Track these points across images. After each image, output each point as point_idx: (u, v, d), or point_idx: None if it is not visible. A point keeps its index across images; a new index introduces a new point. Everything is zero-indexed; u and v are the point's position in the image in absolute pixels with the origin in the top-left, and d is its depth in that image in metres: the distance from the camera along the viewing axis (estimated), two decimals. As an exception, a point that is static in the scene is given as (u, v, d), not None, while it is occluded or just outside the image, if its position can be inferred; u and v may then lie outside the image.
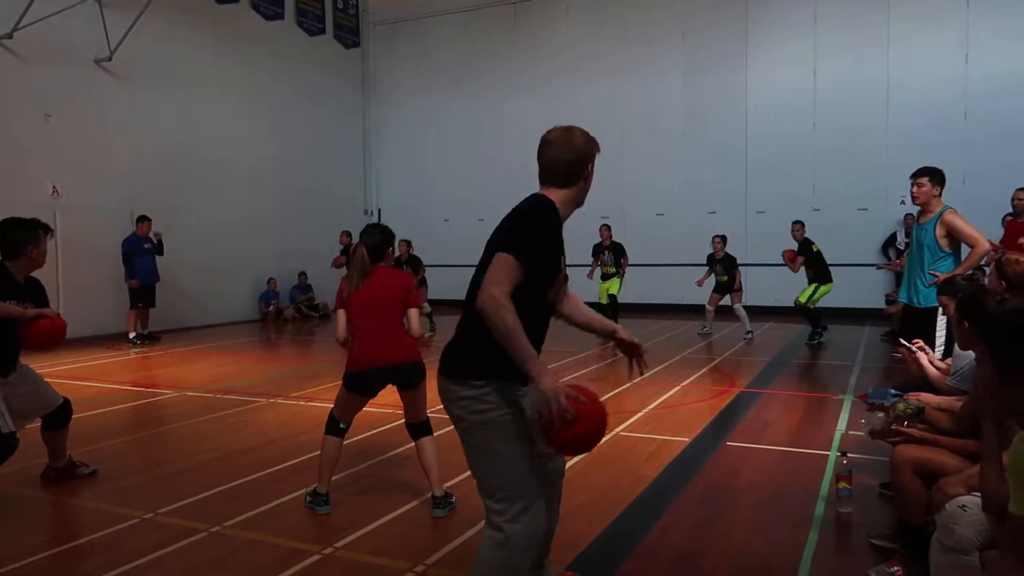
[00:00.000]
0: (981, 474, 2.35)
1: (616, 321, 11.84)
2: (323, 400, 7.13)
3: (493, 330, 2.31)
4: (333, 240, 16.20)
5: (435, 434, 4.29)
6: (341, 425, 4.29)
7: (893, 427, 3.41)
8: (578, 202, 2.66)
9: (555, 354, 9.70)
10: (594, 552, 3.61)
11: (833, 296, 10.80)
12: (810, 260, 10.58)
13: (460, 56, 17.14)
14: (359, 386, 4.22)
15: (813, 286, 10.56)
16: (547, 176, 2.62)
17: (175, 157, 13.24)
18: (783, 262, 10.94)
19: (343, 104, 17.62)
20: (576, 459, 5.07)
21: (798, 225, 10.82)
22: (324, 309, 15.88)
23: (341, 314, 4.24)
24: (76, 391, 7.76)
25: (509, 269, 2.36)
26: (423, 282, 12.27)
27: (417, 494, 4.37)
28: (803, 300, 10.54)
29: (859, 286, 13.08)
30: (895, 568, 3.18)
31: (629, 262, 12.40)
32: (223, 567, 3.49)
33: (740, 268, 11.55)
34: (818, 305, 10.58)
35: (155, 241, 11.54)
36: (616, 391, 7.46)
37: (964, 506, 2.54)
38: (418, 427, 4.25)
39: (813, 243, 10.65)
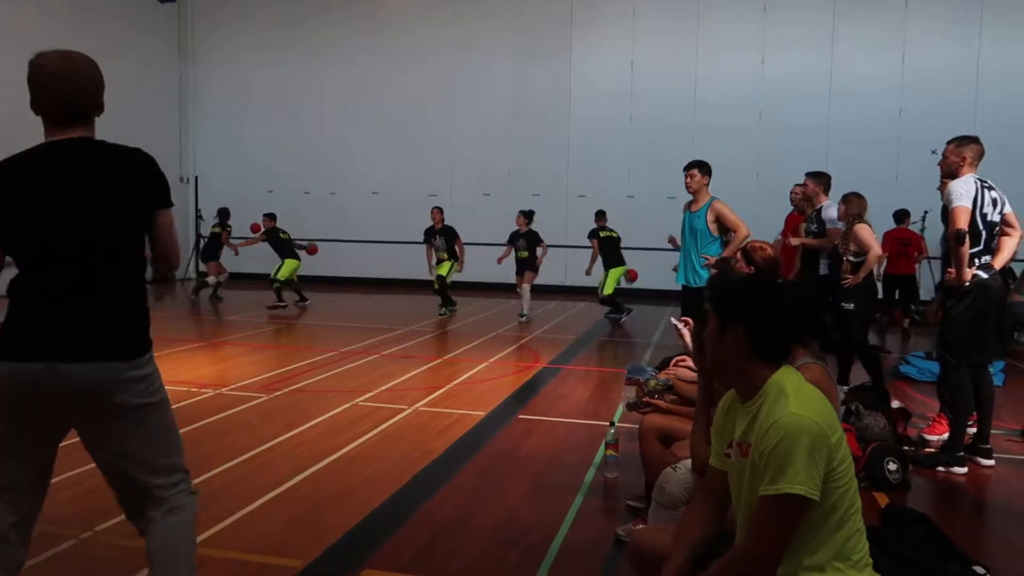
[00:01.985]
0: (691, 437, 2.64)
1: (447, 303, 11.81)
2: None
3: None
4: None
5: None
6: None
7: (644, 399, 3.74)
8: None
9: (367, 331, 9.68)
10: (368, 523, 3.69)
11: (640, 279, 11.55)
12: (603, 246, 11.28)
13: (287, 18, 16.47)
14: None
15: (605, 274, 11.20)
16: (75, 113, 2.38)
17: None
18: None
19: (156, 63, 16.38)
20: (368, 434, 5.14)
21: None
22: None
23: None
24: None
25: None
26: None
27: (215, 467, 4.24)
28: (608, 293, 11.11)
29: (663, 269, 13.99)
30: (639, 525, 3.50)
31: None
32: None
33: (543, 248, 11.59)
34: (617, 287, 11.24)
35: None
36: (424, 367, 7.58)
37: (676, 467, 2.85)
38: None
39: (601, 231, 11.40)
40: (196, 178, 17.09)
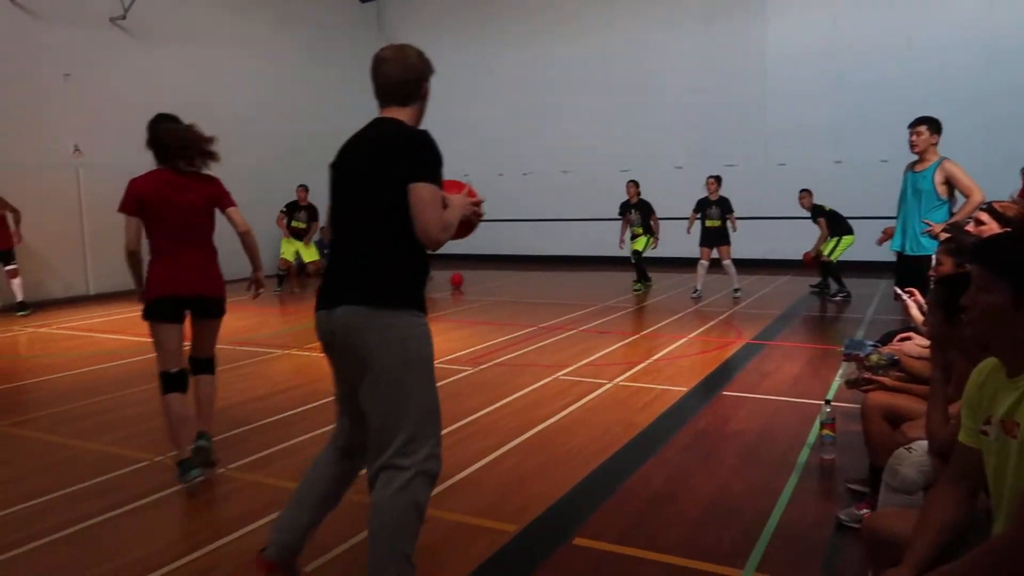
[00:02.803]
0: (927, 416, 2.41)
1: (643, 278, 11.58)
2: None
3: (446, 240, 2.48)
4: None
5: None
6: (172, 370, 3.94)
7: (866, 376, 3.47)
8: (416, 122, 2.67)
9: (564, 307, 9.80)
10: (576, 494, 3.74)
11: (851, 248, 10.71)
12: (828, 218, 10.51)
13: (474, 4, 16.95)
14: (170, 314, 3.99)
15: (835, 239, 10.48)
16: (388, 96, 2.63)
17: (189, 114, 13.30)
18: (804, 258, 10.81)
19: (358, 57, 17.51)
20: (570, 407, 5.21)
21: (805, 193, 10.67)
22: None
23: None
24: (99, 344, 8.06)
25: (436, 199, 2.44)
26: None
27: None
28: (825, 253, 10.48)
29: (872, 240, 12.88)
30: (864, 510, 3.26)
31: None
32: (224, 504, 3.69)
33: (734, 216, 10.84)
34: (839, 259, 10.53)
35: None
36: (622, 343, 7.55)
37: (910, 448, 2.61)
38: (205, 362, 4.18)
39: (823, 206, 10.57)
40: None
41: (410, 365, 2.44)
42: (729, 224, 10.78)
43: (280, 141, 15.26)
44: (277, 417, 5.12)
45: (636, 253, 11.73)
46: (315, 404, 5.43)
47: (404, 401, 2.43)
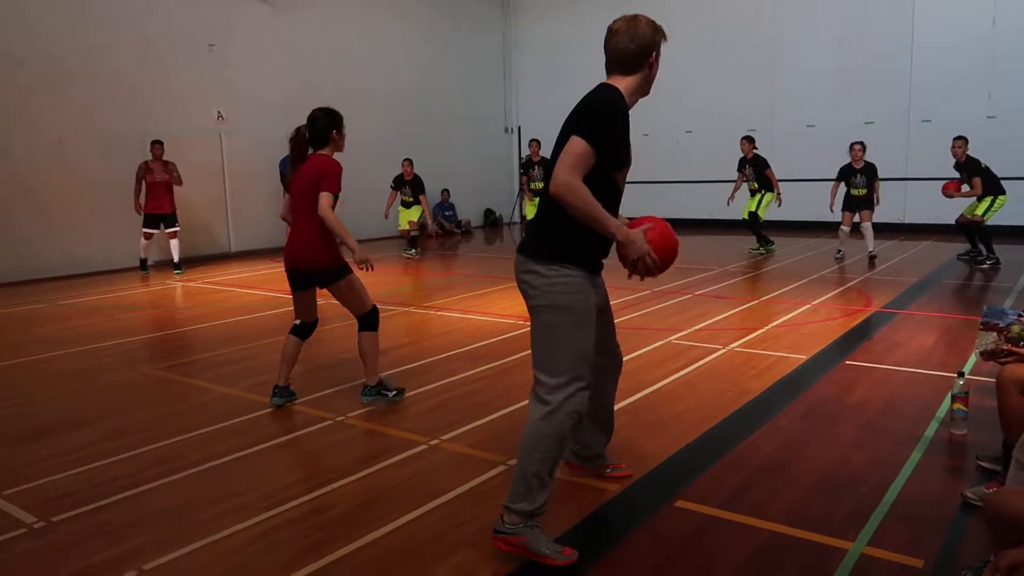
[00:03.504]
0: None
1: (763, 241, 11.38)
2: (453, 310, 7.54)
3: (571, 210, 2.53)
4: (474, 159, 16.57)
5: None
6: (297, 322, 4.60)
7: (1005, 347, 3.22)
8: (644, 91, 2.78)
9: (682, 271, 9.60)
10: (682, 456, 3.72)
11: (1001, 212, 9.86)
12: (983, 176, 9.66)
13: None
14: (290, 281, 4.53)
15: (989, 199, 9.66)
16: (613, 65, 2.74)
17: (322, 83, 13.88)
18: (946, 194, 10.03)
19: (481, 23, 17.64)
20: (682, 371, 5.14)
21: (959, 142, 9.80)
22: (467, 226, 16.42)
23: (287, 197, 4.59)
24: (240, 298, 8.65)
25: (580, 153, 2.51)
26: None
27: (519, 399, 4.61)
28: (980, 213, 9.68)
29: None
30: (992, 489, 3.06)
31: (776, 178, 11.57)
32: (339, 450, 3.91)
33: (880, 181, 10.47)
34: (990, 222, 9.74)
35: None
36: (740, 308, 7.34)
37: (1048, 423, 2.41)
38: (362, 318, 4.56)
39: (979, 161, 9.70)
40: (519, 128, 18.17)
41: (545, 310, 2.69)
42: (875, 194, 10.43)
43: (406, 106, 15.62)
44: (391, 371, 5.34)
45: (752, 214, 11.45)
46: (425, 361, 5.62)
47: (539, 339, 2.73)
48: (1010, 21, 12.40)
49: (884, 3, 13.55)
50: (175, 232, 10.77)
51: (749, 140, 11.50)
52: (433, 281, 9.98)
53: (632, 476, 3.44)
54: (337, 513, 3.19)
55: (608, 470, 3.43)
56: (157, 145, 10.50)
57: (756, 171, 11.39)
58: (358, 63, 14.62)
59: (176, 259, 10.84)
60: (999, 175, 9.77)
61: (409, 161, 12.55)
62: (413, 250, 12.38)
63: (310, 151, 4.40)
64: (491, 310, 7.41)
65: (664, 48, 2.77)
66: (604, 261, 2.87)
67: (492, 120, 18.10)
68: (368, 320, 4.57)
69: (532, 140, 12.57)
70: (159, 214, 10.55)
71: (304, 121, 4.41)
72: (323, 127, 4.32)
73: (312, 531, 3.03)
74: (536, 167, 12.40)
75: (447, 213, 16.20)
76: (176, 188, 10.72)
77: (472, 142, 16.75)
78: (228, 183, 12.69)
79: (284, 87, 13.20)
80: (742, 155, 11.56)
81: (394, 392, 4.60)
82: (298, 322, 4.60)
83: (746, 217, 11.59)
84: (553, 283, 2.67)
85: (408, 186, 12.46)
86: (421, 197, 12.47)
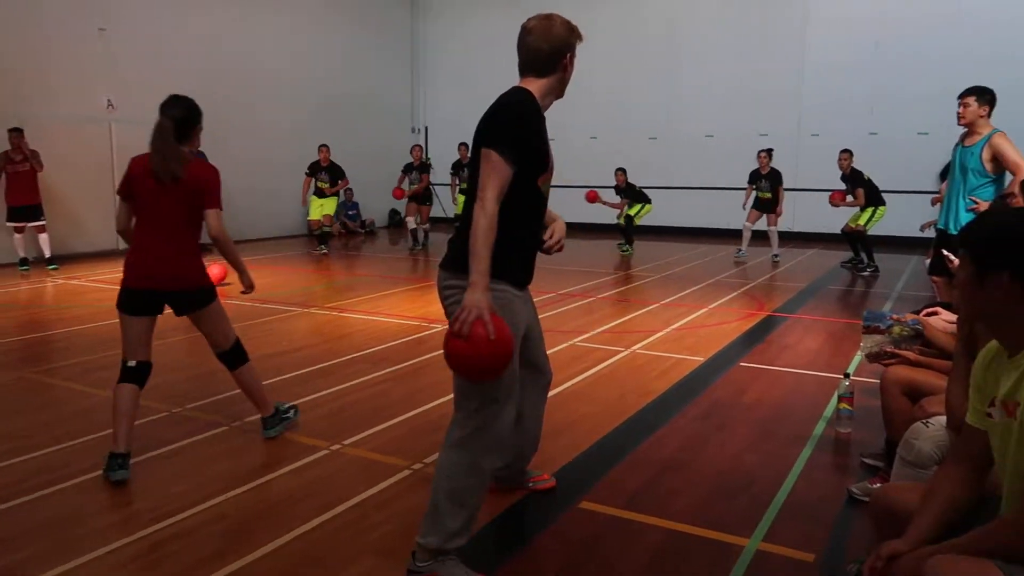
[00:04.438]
0: (947, 390, 2.36)
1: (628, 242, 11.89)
2: (356, 311, 7.38)
3: (475, 229, 2.40)
4: (378, 158, 16.26)
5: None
6: (131, 363, 3.57)
7: (888, 349, 3.40)
8: (558, 93, 2.68)
9: (586, 274, 9.76)
10: (586, 458, 3.75)
11: (882, 223, 10.51)
12: (865, 188, 10.29)
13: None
14: (131, 306, 3.60)
15: (871, 209, 10.29)
16: (526, 65, 2.63)
17: (224, 71, 13.35)
18: (833, 203, 10.67)
19: (392, 19, 17.41)
20: (585, 373, 5.20)
21: (845, 154, 10.45)
22: (371, 226, 16.15)
23: (124, 205, 3.64)
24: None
25: (495, 167, 2.41)
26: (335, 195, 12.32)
27: (423, 403, 4.56)
28: (862, 223, 10.28)
29: (910, 214, 12.63)
30: (876, 485, 3.23)
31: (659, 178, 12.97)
32: (235, 458, 3.74)
33: (784, 189, 11.40)
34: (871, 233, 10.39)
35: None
36: (641, 311, 7.51)
37: (927, 422, 2.56)
38: (227, 355, 3.82)
39: (862, 173, 10.35)
40: (426, 128, 18.04)
41: None
42: (779, 200, 11.36)
43: (312, 100, 15.22)
44: (292, 374, 5.17)
45: (628, 218, 12.51)
46: (328, 363, 5.48)
47: None
48: (890, 46, 13.23)
49: (779, 24, 14.19)
50: (42, 226, 10.12)
51: (848, 153, 10.73)
52: (335, 281, 9.75)
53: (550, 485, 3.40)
54: (232, 523, 3.05)
55: (531, 484, 3.35)
56: (15, 134, 9.78)
57: (772, 184, 11.43)
58: (262, 53, 14.15)
59: (48, 254, 10.18)
60: (880, 187, 10.41)
61: (326, 147, 12.25)
62: (324, 247, 12.09)
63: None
64: (395, 312, 7.30)
65: (579, 49, 2.73)
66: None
67: (399, 119, 17.89)
68: (238, 352, 3.85)
69: (461, 144, 13.04)
70: (24, 206, 9.89)
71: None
72: (185, 119, 3.53)
73: (205, 543, 2.88)
74: (465, 169, 12.38)
75: (350, 212, 15.89)
76: (52, 180, 10.07)
77: (378, 141, 16.48)
78: (117, 175, 11.98)
79: (183, 75, 12.60)
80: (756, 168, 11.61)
81: (292, 410, 4.12)
82: (132, 364, 3.57)
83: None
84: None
85: (325, 172, 12.16)
86: (341, 183, 12.22)
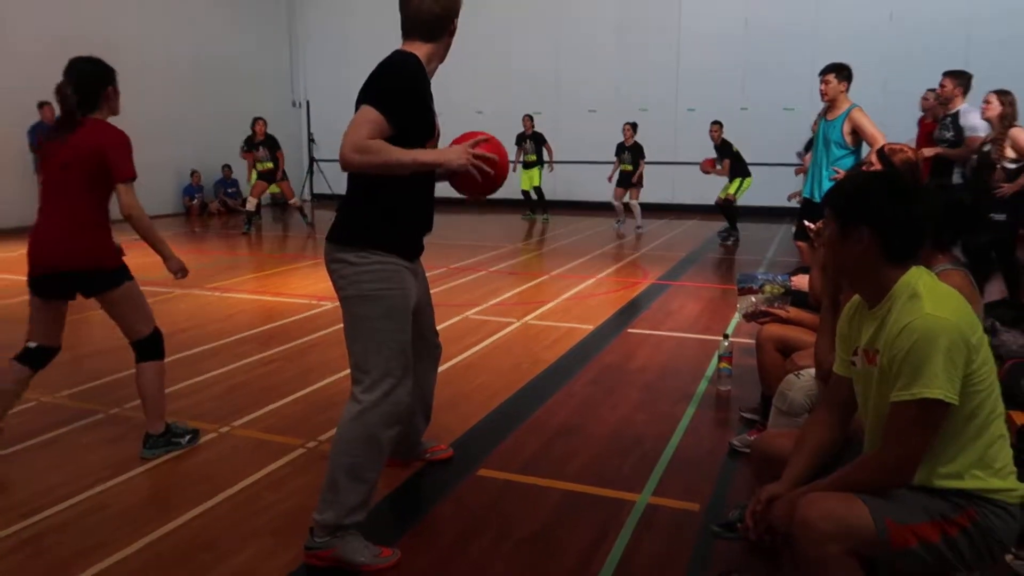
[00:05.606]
0: (816, 343, 2.53)
1: (545, 212, 12.46)
2: (240, 291, 7.12)
3: (374, 171, 2.37)
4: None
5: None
6: (31, 345, 3.35)
7: (763, 308, 3.61)
8: (441, 57, 2.64)
9: (475, 248, 9.79)
10: (482, 427, 3.80)
11: (752, 194, 11.07)
12: (732, 159, 10.77)
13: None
14: (36, 289, 3.32)
15: (737, 181, 10.78)
16: (412, 29, 2.56)
17: (86, 45, 12.36)
18: (704, 170, 11.14)
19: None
20: (478, 345, 5.25)
21: (716, 126, 10.90)
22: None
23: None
24: (-20, 283, 7.56)
25: (368, 120, 2.34)
26: (283, 176, 11.97)
27: (313, 382, 4.47)
28: (732, 192, 10.75)
29: (777, 185, 13.37)
30: (754, 436, 3.44)
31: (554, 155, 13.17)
32: (114, 446, 3.56)
33: (644, 162, 11.59)
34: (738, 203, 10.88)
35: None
36: (531, 283, 7.62)
37: (799, 374, 2.76)
38: (139, 345, 3.47)
39: (731, 144, 10.82)
40: (307, 103, 17.46)
41: (355, 301, 2.51)
42: (638, 172, 11.53)
43: (186, 78, 14.40)
44: (172, 358, 4.95)
45: (536, 189, 12.78)
46: (211, 345, 5.28)
47: (351, 333, 2.55)
48: (760, 20, 13.85)
49: (657, 11, 14.57)
50: None
51: (719, 125, 11.04)
52: (215, 261, 9.35)
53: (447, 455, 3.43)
54: (114, 512, 2.91)
55: (428, 455, 3.36)
56: None
57: (633, 157, 11.60)
58: (128, 18, 13.23)
59: None
60: (749, 161, 10.94)
61: (262, 120, 11.75)
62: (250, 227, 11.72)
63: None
64: (283, 290, 7.10)
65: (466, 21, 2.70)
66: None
67: (278, 93, 17.22)
68: (151, 345, 3.47)
69: (526, 115, 13.31)
70: None
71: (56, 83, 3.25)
72: (92, 83, 3.23)
73: (85, 534, 2.73)
74: (259, 147, 11.96)
75: (230, 191, 15.22)
76: None
77: (258, 116, 15.84)
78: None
79: (38, 40, 11.65)
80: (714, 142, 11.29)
81: (188, 436, 3.53)
82: (33, 345, 3.33)
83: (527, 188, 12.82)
84: (363, 272, 2.47)
85: (263, 147, 11.63)
86: (278, 155, 11.71)
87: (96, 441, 3.61)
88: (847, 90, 5.54)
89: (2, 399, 3.36)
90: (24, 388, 3.43)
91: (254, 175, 12.05)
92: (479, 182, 2.52)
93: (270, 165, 11.71)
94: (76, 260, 3.26)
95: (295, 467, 3.31)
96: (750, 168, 10.88)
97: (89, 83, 3.24)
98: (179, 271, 3.62)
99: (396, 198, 2.50)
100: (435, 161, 2.45)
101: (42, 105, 10.98)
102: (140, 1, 13.55)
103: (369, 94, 2.39)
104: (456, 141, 2.58)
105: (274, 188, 12.04)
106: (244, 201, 15.39)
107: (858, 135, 5.46)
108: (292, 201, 12.21)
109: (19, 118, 11.17)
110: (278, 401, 4.13)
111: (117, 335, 3.60)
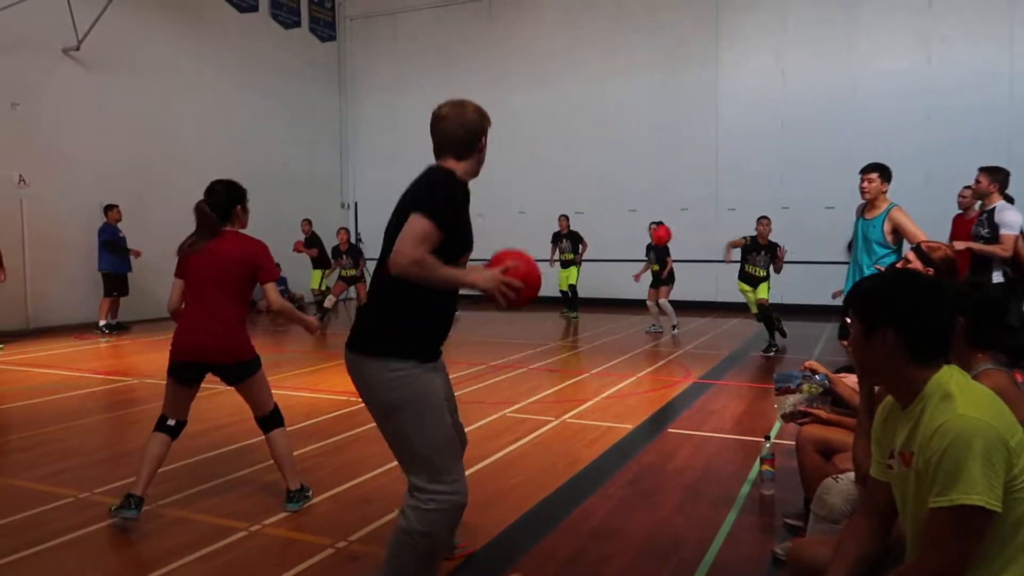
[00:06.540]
0: (853, 445, 2.45)
1: (574, 310, 12.52)
2: (281, 387, 7.19)
3: (424, 284, 2.44)
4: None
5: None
6: (169, 421, 3.87)
7: (802, 408, 3.51)
8: (475, 172, 2.75)
9: (517, 345, 9.80)
10: (516, 528, 3.71)
11: (797, 292, 10.96)
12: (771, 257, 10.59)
13: (436, 49, 17.15)
14: (178, 375, 3.85)
15: (766, 284, 10.52)
16: (443, 148, 2.69)
17: (146, 148, 13.21)
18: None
19: (319, 97, 17.59)
20: (516, 443, 5.18)
21: (765, 220, 10.20)
22: (300, 301, 15.91)
23: (178, 284, 3.88)
24: (39, 378, 7.81)
25: (428, 235, 2.41)
26: (362, 276, 12.73)
27: (348, 479, 4.45)
28: (765, 295, 10.51)
29: (824, 283, 13.20)
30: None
31: (587, 251, 13.51)
32: (147, 542, 3.56)
33: (671, 260, 11.31)
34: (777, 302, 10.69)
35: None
36: (570, 381, 7.56)
37: (838, 477, 2.65)
38: (265, 419, 3.99)
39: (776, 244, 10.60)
40: (356, 204, 18.09)
41: (385, 410, 2.57)
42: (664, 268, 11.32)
43: (240, 179, 15.06)
44: (211, 454, 4.98)
45: (571, 287, 13.04)
46: (249, 442, 5.30)
47: (391, 442, 2.63)
48: (797, 120, 14.07)
49: (697, 102, 14.96)
50: None
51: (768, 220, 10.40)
52: (263, 358, 9.50)
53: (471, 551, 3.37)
54: (140, 613, 2.88)
55: (456, 551, 3.30)
56: None
57: (659, 256, 11.36)
58: (186, 131, 14.05)
59: None
60: (792, 260, 10.80)
61: (345, 230, 12.91)
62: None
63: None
64: (322, 387, 7.15)
65: (504, 133, 2.83)
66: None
67: (328, 195, 17.90)
68: (277, 416, 4.02)
69: (562, 215, 13.66)
70: None
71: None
72: (224, 202, 3.87)
73: (109, 635, 2.70)
74: (344, 255, 12.75)
75: (280, 288, 15.58)
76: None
77: (308, 216, 16.44)
78: (29, 253, 11.58)
79: (99, 149, 12.41)
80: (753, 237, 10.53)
81: (310, 491, 4.10)
82: (172, 422, 3.85)
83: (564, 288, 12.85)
84: (387, 380, 2.52)
85: (347, 255, 12.60)
86: (361, 262, 12.63)
87: (124, 540, 3.61)
88: (887, 191, 5.56)
89: (152, 465, 3.75)
90: (165, 454, 3.85)
91: (334, 275, 13.09)
92: (507, 302, 2.60)
93: (354, 272, 12.69)
94: (225, 356, 3.83)
95: (322, 568, 3.26)
96: (795, 265, 10.73)
97: (223, 202, 3.88)
98: (317, 328, 4.32)
99: (425, 308, 2.58)
100: (471, 283, 2.54)
101: (109, 208, 11.58)
102: (199, 119, 14.40)
103: (423, 205, 2.45)
104: (494, 257, 2.68)
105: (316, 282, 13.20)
106: (292, 297, 15.84)
107: (899, 234, 5.44)
108: (328, 300, 12.73)
109: (85, 224, 11.80)
110: (312, 499, 4.10)
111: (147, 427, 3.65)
